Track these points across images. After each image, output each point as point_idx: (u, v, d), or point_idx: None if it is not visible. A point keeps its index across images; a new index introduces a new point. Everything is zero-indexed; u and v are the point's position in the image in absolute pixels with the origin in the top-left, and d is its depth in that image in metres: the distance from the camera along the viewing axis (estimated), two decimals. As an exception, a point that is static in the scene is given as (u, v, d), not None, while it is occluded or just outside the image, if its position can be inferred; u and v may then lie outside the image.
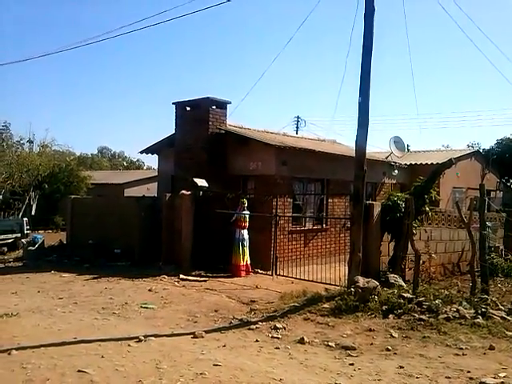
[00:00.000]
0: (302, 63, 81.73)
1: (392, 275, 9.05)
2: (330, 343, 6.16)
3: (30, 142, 26.08)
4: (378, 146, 17.07)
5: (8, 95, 76.09)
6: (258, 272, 11.82)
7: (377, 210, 9.84)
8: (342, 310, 7.50)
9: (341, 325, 6.97)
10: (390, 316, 7.27)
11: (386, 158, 16.73)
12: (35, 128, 30.34)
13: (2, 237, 16.87)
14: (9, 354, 5.68)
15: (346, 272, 9.21)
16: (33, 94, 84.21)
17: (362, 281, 7.93)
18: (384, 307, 7.52)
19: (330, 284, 9.51)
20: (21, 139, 27.14)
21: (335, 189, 14.20)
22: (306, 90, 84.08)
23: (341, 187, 14.20)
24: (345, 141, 37.20)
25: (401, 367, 5.30)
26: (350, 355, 5.73)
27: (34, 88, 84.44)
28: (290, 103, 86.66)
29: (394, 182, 16.96)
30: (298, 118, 38.28)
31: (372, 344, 6.19)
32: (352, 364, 5.40)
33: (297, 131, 35.75)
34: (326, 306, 7.78)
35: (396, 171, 16.65)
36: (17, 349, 5.84)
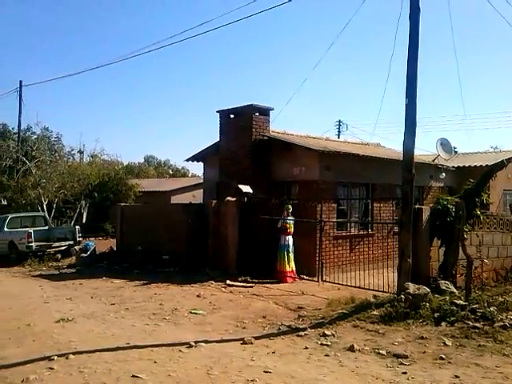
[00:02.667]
0: (344, 66, 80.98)
1: (443, 281, 8.81)
2: (380, 351, 6.06)
3: (81, 152, 27.18)
4: (423, 149, 16.59)
5: (60, 107, 79.57)
6: (303, 278, 11.77)
7: (426, 214, 9.60)
8: (392, 317, 7.36)
9: (391, 332, 6.84)
10: (443, 323, 7.08)
11: (433, 160, 16.30)
12: (85, 139, 31.67)
13: (56, 244, 17.60)
14: (67, 358, 5.92)
15: (394, 278, 9.03)
16: (83, 106, 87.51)
17: (412, 287, 7.76)
18: (436, 314, 7.33)
19: (377, 290, 9.34)
20: (72, 150, 28.25)
21: (380, 193, 13.96)
22: (347, 94, 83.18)
23: (386, 191, 13.95)
24: (389, 144, 36.61)
25: (456, 377, 5.15)
26: (402, 363, 5.62)
27: (84, 100, 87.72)
28: (331, 107, 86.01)
29: (442, 185, 16.50)
30: (339, 121, 38.04)
31: (425, 352, 6.04)
32: (405, 373, 5.29)
33: (338, 135, 35.50)
34: (375, 312, 7.65)
35: (443, 174, 16.19)
36: (74, 353, 6.08)
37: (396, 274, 8.98)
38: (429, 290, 7.89)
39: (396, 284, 8.75)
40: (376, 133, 75.56)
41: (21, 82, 25.89)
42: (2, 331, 7.40)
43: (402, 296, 7.77)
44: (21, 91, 25.66)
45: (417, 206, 9.96)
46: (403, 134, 8.86)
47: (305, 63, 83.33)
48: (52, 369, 5.53)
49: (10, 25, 72.27)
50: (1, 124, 33.28)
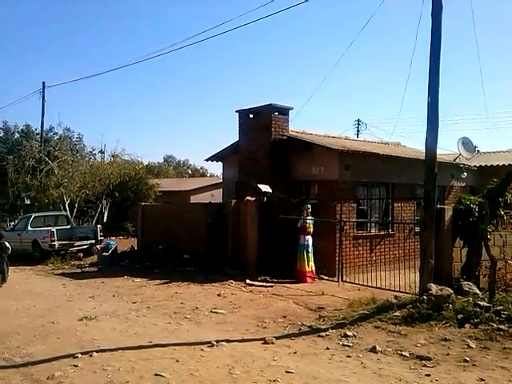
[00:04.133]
0: (363, 65, 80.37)
1: (466, 283, 8.67)
2: (403, 352, 6.00)
3: (102, 152, 27.56)
4: (444, 148, 16.36)
5: (81, 108, 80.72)
6: (322, 278, 11.73)
7: (448, 214, 9.47)
8: (415, 318, 7.28)
9: (414, 334, 6.77)
10: (466, 325, 6.97)
11: (455, 159, 16.08)
12: (106, 139, 32.18)
13: (79, 243, 17.90)
14: (90, 356, 6.03)
15: (416, 279, 8.94)
16: (104, 106, 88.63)
17: (434, 288, 7.67)
18: (459, 316, 7.22)
19: (399, 291, 9.23)
20: (93, 150, 28.70)
21: (401, 193, 13.83)
22: (366, 93, 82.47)
23: (407, 191, 13.82)
24: (409, 143, 36.22)
25: (481, 380, 5.08)
26: (425, 365, 5.56)
27: (105, 100, 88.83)
28: (350, 106, 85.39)
29: (463, 184, 16.26)
30: (358, 121, 37.79)
31: (448, 354, 5.97)
32: (428, 375, 5.23)
33: (357, 134, 35.27)
34: (397, 314, 7.58)
35: (465, 173, 15.94)
36: (97, 351, 6.19)
37: (417, 275, 8.89)
38: (452, 291, 7.79)
39: (418, 285, 8.65)
40: (396, 132, 74.84)
41: (43, 83, 26.37)
42: (27, 328, 7.58)
43: (425, 297, 7.69)
44: (44, 92, 26.13)
45: (439, 206, 9.84)
46: (425, 133, 8.76)
47: (324, 63, 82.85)
48: (76, 366, 5.64)
49: (31, 25, 73.66)
50: (24, 125, 34.05)
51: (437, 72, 8.62)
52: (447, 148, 17.29)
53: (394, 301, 8.32)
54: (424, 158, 9.05)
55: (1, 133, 33.98)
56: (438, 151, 9.01)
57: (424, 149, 8.99)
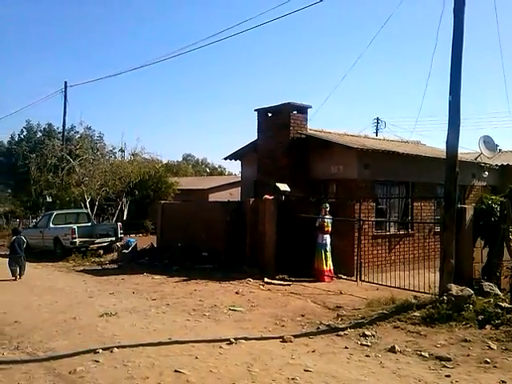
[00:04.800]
0: (381, 63, 79.61)
1: (487, 283, 8.56)
2: (422, 353, 5.96)
3: (122, 150, 27.78)
4: (465, 147, 16.09)
5: (102, 107, 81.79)
6: (340, 277, 11.69)
7: (469, 214, 9.36)
8: (434, 318, 7.21)
9: (433, 334, 6.71)
10: (487, 326, 6.88)
11: (476, 159, 15.83)
12: (127, 138, 32.50)
13: (99, 240, 18.13)
14: (111, 351, 6.12)
15: (435, 279, 8.86)
16: (124, 106, 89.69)
17: (455, 289, 7.58)
18: (480, 317, 7.13)
19: (418, 291, 9.14)
20: (113, 148, 29.03)
21: (421, 192, 13.68)
22: (386, 91, 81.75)
23: (427, 190, 13.67)
24: (429, 142, 35.80)
25: (503, 382, 5.02)
26: (445, 366, 5.51)
27: (125, 99, 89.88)
28: (369, 105, 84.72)
29: (484, 184, 16.00)
30: (377, 119, 37.49)
31: (468, 355, 5.90)
32: (448, 376, 5.19)
33: (376, 133, 35.02)
34: (416, 314, 7.51)
35: (486, 173, 15.69)
36: (118, 347, 6.28)
37: (437, 275, 8.81)
38: (472, 291, 7.69)
39: (437, 285, 8.56)
40: (416, 130, 73.84)
41: (65, 82, 26.72)
42: (49, 324, 7.74)
43: (445, 297, 7.61)
44: (65, 92, 26.43)
45: (460, 206, 9.72)
46: (446, 132, 8.65)
47: (342, 62, 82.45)
48: (97, 361, 5.73)
49: (53, 25, 74.82)
50: (47, 124, 34.66)
51: (458, 70, 8.51)
52: (468, 147, 17.05)
53: (413, 301, 8.25)
54: (445, 157, 8.95)
55: (24, 132, 34.61)
56: (459, 150, 8.89)
57: (445, 148, 8.89)
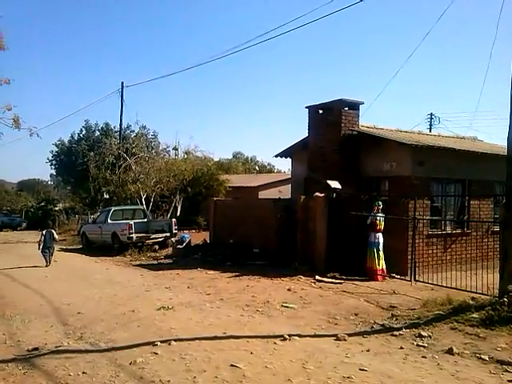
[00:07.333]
0: (436, 57, 76.92)
1: (550, 285, 8.16)
2: (482, 356, 5.79)
3: (176, 149, 28.45)
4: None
5: (157, 106, 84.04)
6: (393, 277, 11.48)
7: (532, 212, 8.93)
8: (494, 320, 6.96)
9: (493, 337, 6.50)
10: (552, 330, 6.59)
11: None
12: (180, 136, 33.11)
13: (154, 236, 18.70)
14: (169, 344, 6.33)
15: (494, 280, 8.53)
16: (178, 105, 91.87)
17: (516, 290, 7.30)
18: (543, 320, 6.84)
19: (476, 292, 8.83)
20: (167, 146, 29.81)
21: (478, 190, 13.19)
22: (439, 86, 78.98)
23: (484, 188, 13.19)
24: (487, 138, 34.36)
25: None
26: (507, 371, 5.33)
27: (179, 99, 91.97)
28: (421, 101, 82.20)
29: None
30: (431, 115, 36.31)
31: (532, 360, 5.69)
32: (510, 381, 5.04)
33: (430, 129, 33.92)
34: (474, 315, 7.29)
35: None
36: (175, 340, 6.48)
37: (495, 276, 8.51)
38: (535, 293, 7.38)
39: (497, 286, 8.26)
40: (472, 126, 70.88)
41: (122, 83, 27.49)
42: (110, 316, 8.10)
43: (505, 299, 7.33)
44: (122, 92, 27.23)
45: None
46: (508, 127, 8.30)
47: (396, 58, 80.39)
48: (156, 354, 5.94)
49: (113, 27, 77.39)
50: (104, 123, 35.97)
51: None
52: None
53: (471, 302, 8.00)
54: (504, 154, 8.61)
55: (83, 131, 36.05)
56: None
57: (504, 144, 8.56)
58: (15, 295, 10.13)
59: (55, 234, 15.86)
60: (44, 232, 15.45)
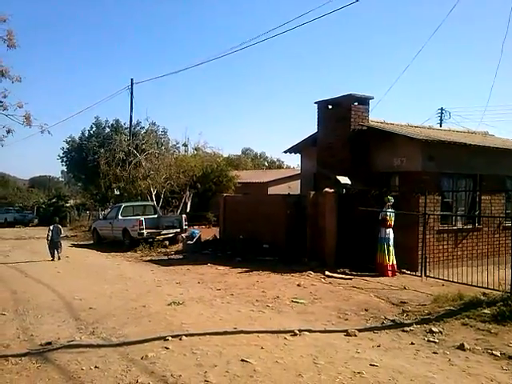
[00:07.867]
0: (446, 53, 76.16)
1: None
2: (494, 352, 5.76)
3: (185, 145, 28.52)
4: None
5: (166, 104, 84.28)
6: (404, 272, 11.44)
7: (544, 208, 8.87)
8: (506, 316, 6.92)
9: (505, 333, 6.46)
10: None
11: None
12: (189, 132, 33.14)
13: (165, 231, 18.79)
14: (180, 339, 6.36)
15: (506, 276, 8.52)
16: (187, 102, 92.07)
17: (528, 286, 7.25)
18: (556, 316, 6.79)
19: (487, 288, 8.74)
20: (177, 143, 29.85)
21: (489, 185, 13.07)
22: (450, 81, 78.25)
23: (495, 183, 13.07)
24: (498, 133, 34.03)
25: None
26: (519, 367, 5.32)
27: (188, 96, 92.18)
28: (432, 95, 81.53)
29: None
30: (441, 109, 36.01)
31: (545, 357, 5.65)
32: (523, 377, 5.02)
33: (440, 124, 33.65)
34: (486, 311, 7.25)
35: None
36: (186, 335, 6.51)
37: (507, 272, 8.48)
38: (547, 289, 7.32)
39: (509, 282, 8.19)
40: (483, 121, 70.08)
41: (132, 79, 27.63)
42: (121, 311, 8.16)
43: (517, 295, 7.29)
44: (132, 89, 27.32)
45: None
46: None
47: (404, 54, 79.67)
48: (167, 348, 5.98)
49: (120, 25, 77.69)
50: (114, 120, 36.10)
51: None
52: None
53: (482, 298, 7.97)
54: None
55: (93, 128, 36.22)
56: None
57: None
58: (28, 290, 10.24)
59: (62, 229, 16.32)
60: (51, 227, 15.79)
